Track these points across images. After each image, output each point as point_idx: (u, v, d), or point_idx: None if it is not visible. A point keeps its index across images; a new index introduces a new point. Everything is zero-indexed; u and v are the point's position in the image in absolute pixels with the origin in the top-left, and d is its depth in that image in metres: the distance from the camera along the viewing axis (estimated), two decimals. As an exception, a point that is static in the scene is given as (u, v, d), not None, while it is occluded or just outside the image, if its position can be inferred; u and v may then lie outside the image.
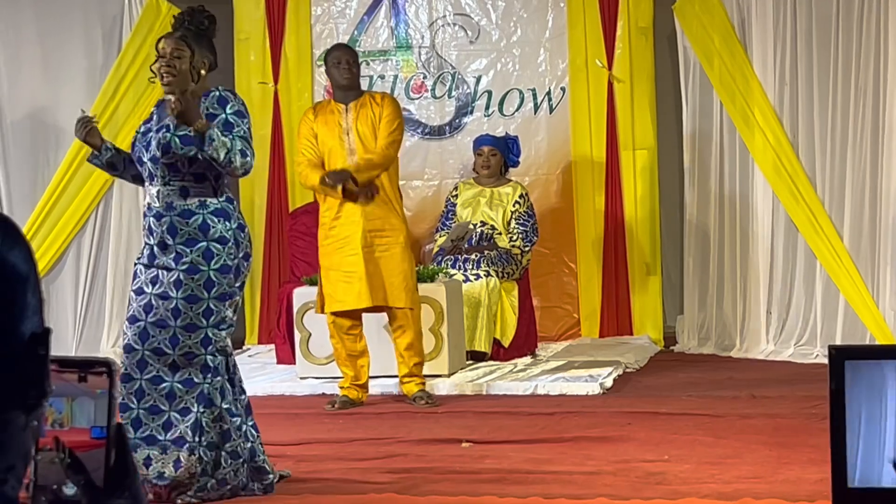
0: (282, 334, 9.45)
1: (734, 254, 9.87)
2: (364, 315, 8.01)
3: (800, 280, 9.61)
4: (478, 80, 10.69)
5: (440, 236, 9.58)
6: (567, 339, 10.36)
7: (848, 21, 9.35)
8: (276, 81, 10.67)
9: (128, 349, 5.60)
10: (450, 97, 10.71)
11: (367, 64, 10.60)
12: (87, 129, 5.76)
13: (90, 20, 10.34)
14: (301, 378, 8.74)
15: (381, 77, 10.74)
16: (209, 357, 5.58)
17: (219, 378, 5.62)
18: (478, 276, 9.23)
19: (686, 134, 10.12)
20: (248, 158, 5.59)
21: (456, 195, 9.79)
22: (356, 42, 10.67)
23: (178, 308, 5.56)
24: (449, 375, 8.61)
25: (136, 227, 10.34)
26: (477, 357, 9.21)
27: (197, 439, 5.54)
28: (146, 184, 5.73)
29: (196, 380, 5.56)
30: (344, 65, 8.00)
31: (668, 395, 8.00)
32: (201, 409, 5.55)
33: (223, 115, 5.63)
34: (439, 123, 10.73)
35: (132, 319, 5.61)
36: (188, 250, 5.57)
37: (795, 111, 9.58)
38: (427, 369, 8.35)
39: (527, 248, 9.57)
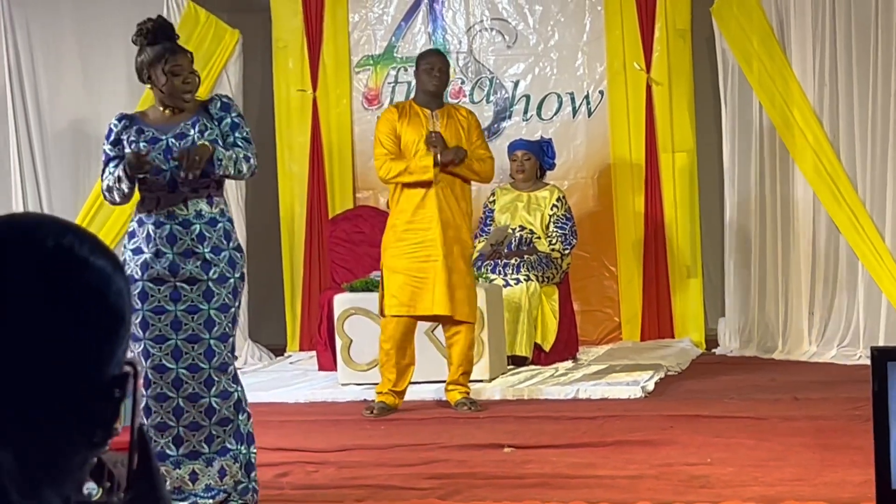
0: (323, 341, 9.46)
1: (776, 255, 9.83)
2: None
3: (842, 281, 9.56)
4: (516, 84, 10.70)
5: (479, 242, 9.58)
6: (608, 342, 10.35)
7: (887, 20, 9.31)
8: (314, 89, 10.70)
9: (161, 369, 5.50)
10: (488, 102, 10.72)
11: (405, 70, 10.61)
12: (143, 170, 5.56)
13: (129, 30, 10.30)
14: (342, 385, 8.75)
15: (420, 83, 10.75)
16: (233, 365, 5.62)
17: (241, 384, 5.66)
18: (518, 281, 9.23)
19: (725, 136, 10.08)
20: (252, 161, 5.64)
21: (493, 201, 9.79)
22: (394, 48, 10.71)
23: (213, 319, 5.53)
24: (490, 380, 8.61)
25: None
26: (518, 362, 9.21)
27: (238, 446, 5.56)
28: (158, 192, 5.55)
29: (230, 389, 5.56)
30: (436, 72, 8.02)
31: (710, 398, 7.98)
32: (239, 417, 5.57)
33: (228, 119, 5.66)
34: (478, 128, 10.72)
35: (159, 339, 5.50)
36: (217, 258, 5.56)
37: (835, 112, 9.53)
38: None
39: (566, 252, 9.57)
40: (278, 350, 10.65)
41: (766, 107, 9.76)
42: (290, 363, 10.12)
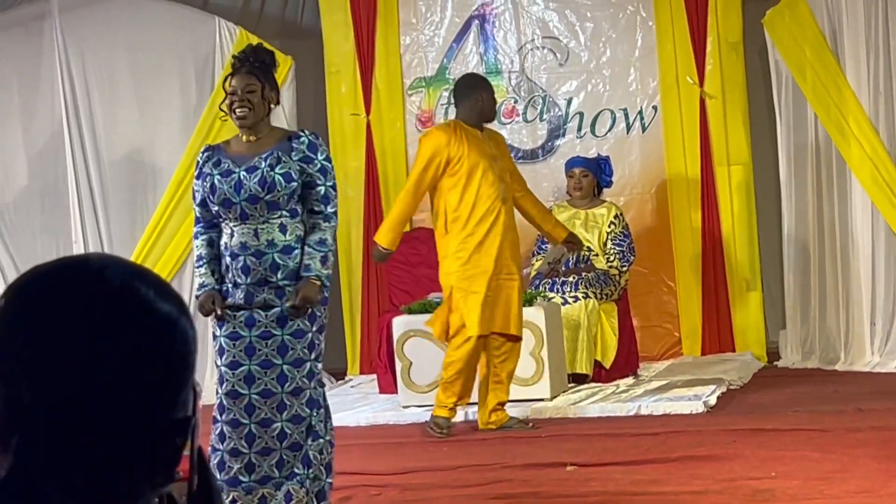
0: (383, 364, 9.49)
1: (835, 266, 9.78)
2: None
3: (903, 290, 9.52)
4: (569, 102, 10.72)
5: (536, 261, 9.59)
6: (669, 358, 10.33)
7: (941, 26, 9.27)
8: (367, 112, 10.75)
9: (234, 395, 5.53)
10: (541, 120, 10.74)
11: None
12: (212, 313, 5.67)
13: (183, 60, 10.49)
14: (403, 407, 8.77)
15: (472, 103, 10.79)
16: (312, 390, 5.62)
17: (321, 410, 5.66)
18: (576, 299, 9.23)
19: (781, 147, 10.05)
20: (334, 221, 5.72)
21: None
22: (446, 70, 10.75)
23: (285, 344, 5.56)
24: (551, 399, 8.61)
25: (236, 262, 10.45)
26: (578, 379, 9.21)
27: (305, 471, 5.59)
28: (232, 224, 5.63)
29: (303, 414, 5.58)
30: (495, 98, 8.29)
31: (774, 412, 7.95)
32: (310, 443, 5.59)
33: (318, 162, 5.65)
34: (532, 147, 10.76)
35: (233, 365, 5.54)
36: (292, 285, 5.60)
37: (892, 120, 9.50)
38: (528, 393, 8.40)
39: (624, 269, 9.56)
40: (339, 374, 10.70)
41: (821, 117, 9.73)
42: (352, 387, 10.16)
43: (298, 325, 5.57)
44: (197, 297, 5.67)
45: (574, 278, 9.35)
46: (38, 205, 10.50)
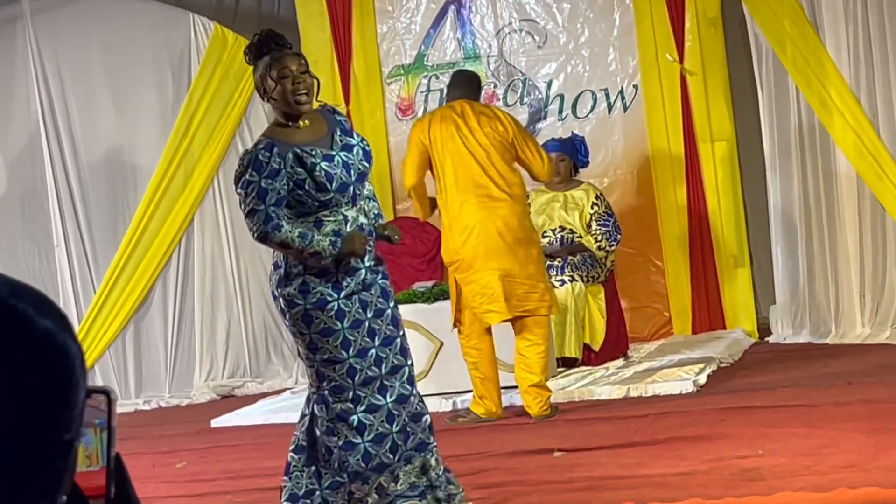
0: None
1: (822, 238, 9.77)
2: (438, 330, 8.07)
3: (891, 260, 9.50)
4: (549, 84, 10.70)
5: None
6: (659, 338, 10.33)
7: (920, -8, 9.26)
8: (347, 102, 10.72)
9: (368, 381, 5.37)
10: (522, 104, 10.73)
11: (437, 78, 10.64)
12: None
13: (158, 57, 10.47)
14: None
15: (452, 90, 10.77)
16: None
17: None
18: (562, 282, 9.21)
19: (764, 122, 10.03)
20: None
21: (529, 204, 9.75)
22: (424, 57, 10.74)
23: (397, 317, 5.52)
24: (540, 384, 8.59)
25: (220, 259, 10.46)
26: (568, 363, 9.21)
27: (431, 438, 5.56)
28: (345, 209, 5.36)
29: (410, 389, 5.55)
30: None
31: (763, 389, 7.94)
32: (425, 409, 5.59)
33: (356, 144, 5.47)
34: (514, 131, 10.73)
35: (362, 353, 5.37)
36: (379, 267, 5.54)
37: (873, 89, 9.48)
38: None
39: (612, 248, 9.52)
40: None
41: (802, 90, 9.72)
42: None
43: (392, 298, 5.53)
44: (333, 246, 5.26)
45: (559, 261, 9.33)
46: (18, 210, 10.49)
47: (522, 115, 10.64)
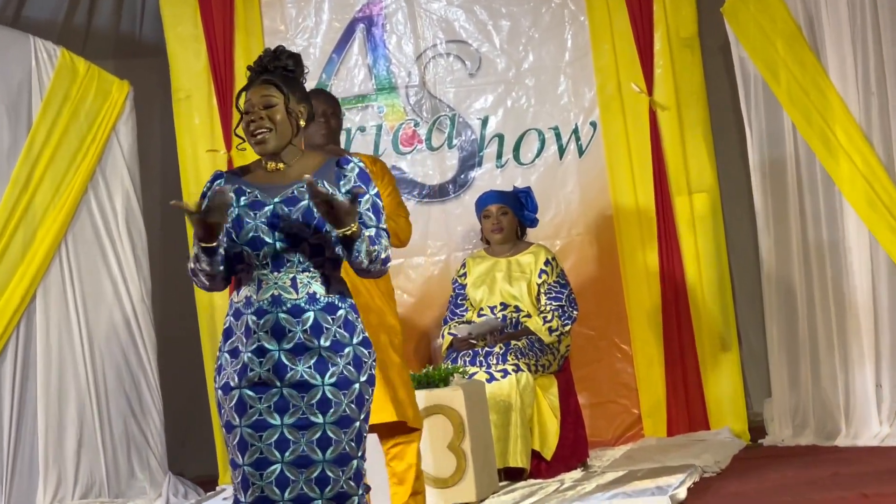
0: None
1: (828, 314, 9.84)
2: None
3: (915, 341, 9.63)
4: (484, 122, 10.79)
5: (447, 328, 9.59)
6: (627, 441, 10.39)
7: (943, 7, 9.42)
8: (227, 147, 10.70)
9: (264, 502, 5.36)
10: (451, 147, 10.80)
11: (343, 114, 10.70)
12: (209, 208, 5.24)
13: (-8, 85, 10.43)
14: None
15: (362, 129, 10.84)
16: (359, 497, 5.41)
17: None
18: (505, 373, 9.26)
19: (754, 167, 10.11)
20: (388, 261, 5.52)
21: (464, 274, 9.82)
22: (325, 87, 10.72)
23: (328, 436, 5.35)
24: (478, 503, 8.66)
25: (69, 346, 10.41)
26: (513, 475, 9.25)
27: None
28: (259, 272, 5.38)
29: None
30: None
31: (758, 502, 8.02)
32: None
33: (369, 196, 5.45)
34: (440, 181, 10.82)
35: (260, 464, 5.33)
36: (337, 357, 5.38)
37: (887, 126, 9.58)
38: (449, 497, 8.42)
39: (566, 328, 9.55)
40: (208, 483, 10.69)
41: (800, 127, 9.81)
42: (224, 499, 10.16)
43: (344, 412, 5.35)
44: (195, 240, 5.23)
45: (501, 347, 9.37)
46: None
47: (452, 162, 10.70)
